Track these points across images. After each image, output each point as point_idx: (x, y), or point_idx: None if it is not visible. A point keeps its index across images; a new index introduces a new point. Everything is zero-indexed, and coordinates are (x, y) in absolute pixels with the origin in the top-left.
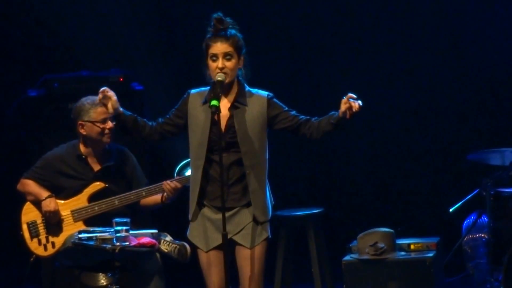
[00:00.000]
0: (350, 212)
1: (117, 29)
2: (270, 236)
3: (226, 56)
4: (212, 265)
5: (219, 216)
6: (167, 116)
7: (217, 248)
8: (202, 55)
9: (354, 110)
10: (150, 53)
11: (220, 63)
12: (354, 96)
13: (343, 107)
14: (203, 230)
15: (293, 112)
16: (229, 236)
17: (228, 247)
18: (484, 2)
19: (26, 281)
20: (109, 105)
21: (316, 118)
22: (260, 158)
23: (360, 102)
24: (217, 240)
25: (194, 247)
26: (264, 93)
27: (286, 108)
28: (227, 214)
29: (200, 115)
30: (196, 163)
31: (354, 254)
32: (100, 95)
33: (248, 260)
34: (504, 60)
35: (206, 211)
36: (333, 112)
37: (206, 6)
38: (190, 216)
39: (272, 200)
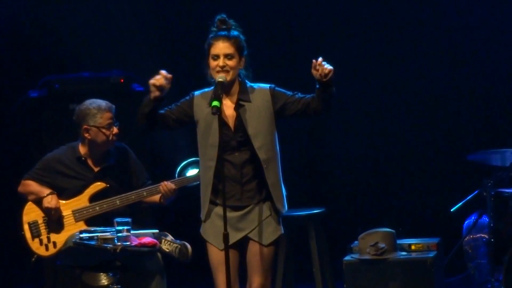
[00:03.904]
0: (351, 212)
1: (118, 30)
2: (283, 232)
3: (227, 56)
4: (223, 263)
5: (235, 214)
6: (169, 109)
7: (231, 247)
8: (204, 55)
9: (324, 75)
10: (151, 54)
11: (221, 61)
12: (320, 61)
13: (314, 74)
14: (218, 229)
15: (298, 95)
16: (244, 233)
17: (228, 247)
18: (485, 4)
19: (27, 281)
20: (165, 86)
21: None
22: (273, 150)
23: (329, 66)
24: (233, 237)
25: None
26: (265, 85)
27: (290, 93)
28: (242, 212)
29: (208, 117)
30: (207, 164)
31: (355, 254)
32: (164, 81)
33: (260, 256)
34: (504, 60)
35: (219, 210)
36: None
37: (206, 7)
38: (202, 217)
39: (285, 190)
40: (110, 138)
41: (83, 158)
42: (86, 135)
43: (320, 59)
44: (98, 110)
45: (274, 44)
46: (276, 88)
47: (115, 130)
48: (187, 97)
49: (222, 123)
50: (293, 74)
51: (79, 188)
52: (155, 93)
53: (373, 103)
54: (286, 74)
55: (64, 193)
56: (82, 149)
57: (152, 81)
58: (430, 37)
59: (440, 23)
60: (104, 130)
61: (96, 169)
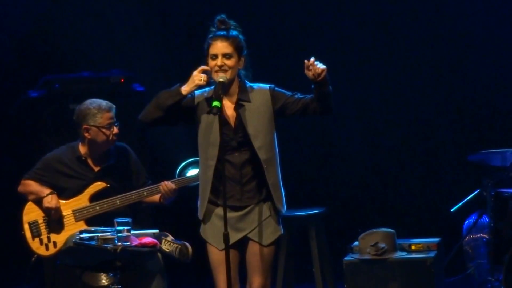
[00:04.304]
0: (351, 212)
1: (118, 30)
2: (283, 233)
3: (226, 55)
4: (223, 263)
5: (234, 214)
6: None
7: (230, 247)
8: (204, 55)
9: (317, 74)
10: (151, 54)
11: (219, 61)
12: (312, 61)
13: (307, 74)
14: (218, 229)
15: (298, 95)
16: (244, 234)
17: (229, 248)
18: (485, 4)
19: (27, 281)
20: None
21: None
22: (273, 151)
23: (322, 66)
24: (232, 238)
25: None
26: (265, 85)
27: (290, 94)
28: (242, 212)
29: (209, 117)
30: (207, 163)
31: (355, 254)
32: (205, 77)
33: (260, 256)
34: (504, 60)
35: (219, 210)
36: None
37: (206, 7)
38: (201, 216)
39: (284, 191)
40: (110, 138)
41: (83, 158)
42: (86, 134)
43: (312, 59)
44: (98, 110)
45: (273, 44)
46: (276, 88)
47: (115, 130)
48: (189, 95)
49: (224, 122)
50: (291, 75)
51: (79, 188)
52: (191, 90)
53: (373, 103)
54: (284, 75)
55: (64, 193)
56: (82, 149)
57: (199, 82)
58: (431, 37)
59: (440, 22)
60: (104, 130)
61: (96, 169)
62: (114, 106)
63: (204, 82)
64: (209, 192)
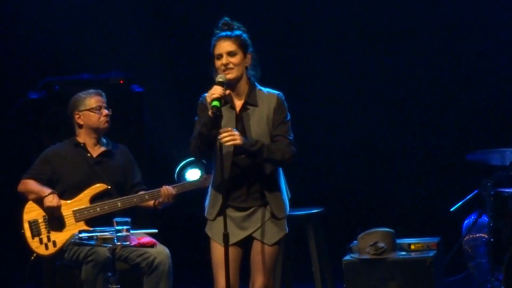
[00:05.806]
0: (350, 212)
1: (117, 32)
2: (287, 231)
3: (230, 53)
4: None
5: (239, 214)
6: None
7: (234, 244)
8: (211, 59)
9: (229, 143)
10: (150, 55)
11: (224, 59)
12: (221, 136)
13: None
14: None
15: (284, 128)
16: (248, 232)
17: (228, 247)
18: (485, 4)
19: (26, 281)
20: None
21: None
22: None
23: (228, 138)
24: (237, 236)
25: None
26: (275, 92)
27: (287, 119)
28: (247, 212)
29: (222, 120)
30: (220, 166)
31: (355, 253)
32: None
33: (264, 255)
34: (504, 60)
35: (228, 210)
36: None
37: (206, 9)
38: (211, 216)
39: (289, 193)
40: (101, 119)
41: (81, 144)
42: (79, 120)
43: (222, 134)
44: (86, 94)
45: (273, 44)
46: (284, 100)
47: (105, 112)
48: (199, 103)
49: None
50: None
51: (79, 177)
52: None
53: (373, 103)
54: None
55: (64, 183)
56: (80, 138)
57: (213, 96)
58: (431, 36)
59: (440, 22)
60: (94, 111)
61: (95, 154)
62: (103, 93)
63: (219, 94)
64: (223, 196)
